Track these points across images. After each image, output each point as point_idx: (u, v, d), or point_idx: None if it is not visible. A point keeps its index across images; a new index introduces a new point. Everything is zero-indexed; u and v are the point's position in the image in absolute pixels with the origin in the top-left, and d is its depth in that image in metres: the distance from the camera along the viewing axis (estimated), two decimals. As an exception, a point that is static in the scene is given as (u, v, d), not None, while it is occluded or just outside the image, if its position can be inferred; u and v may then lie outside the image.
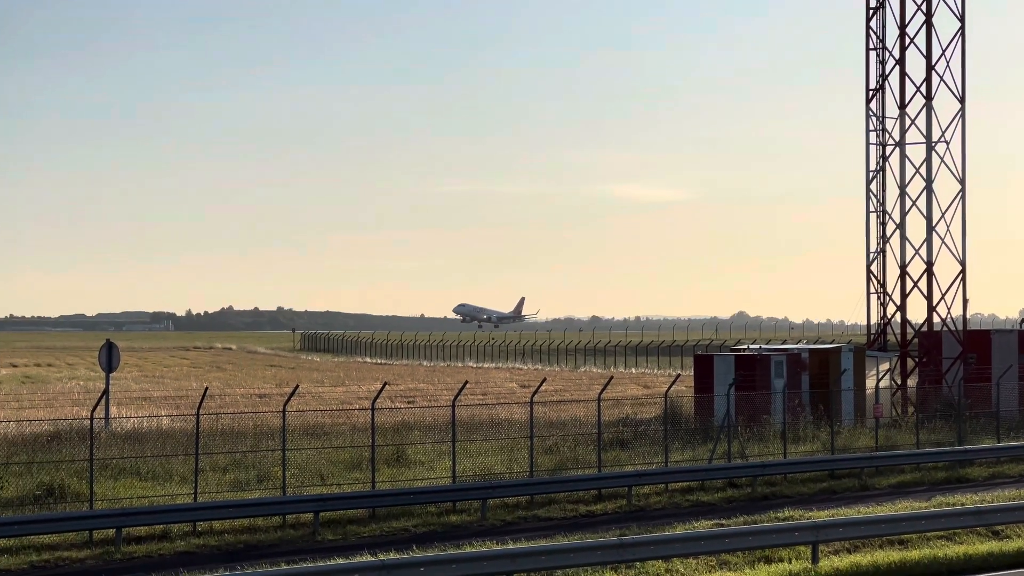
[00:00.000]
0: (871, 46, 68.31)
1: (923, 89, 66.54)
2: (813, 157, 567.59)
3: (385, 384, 46.93)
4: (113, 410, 53.71)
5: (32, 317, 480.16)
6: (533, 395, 44.13)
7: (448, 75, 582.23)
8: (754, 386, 55.78)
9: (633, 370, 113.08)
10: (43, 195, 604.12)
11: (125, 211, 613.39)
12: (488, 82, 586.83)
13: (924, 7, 66.42)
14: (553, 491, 41.47)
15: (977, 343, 66.34)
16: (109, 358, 52.09)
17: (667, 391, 47.99)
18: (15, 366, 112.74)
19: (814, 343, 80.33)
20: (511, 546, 30.32)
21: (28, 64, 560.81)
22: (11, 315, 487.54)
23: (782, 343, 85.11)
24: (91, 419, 38.01)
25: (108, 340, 53.38)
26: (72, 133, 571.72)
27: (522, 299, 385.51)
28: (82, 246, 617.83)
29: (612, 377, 55.69)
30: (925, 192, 66.62)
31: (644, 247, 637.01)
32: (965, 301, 66.79)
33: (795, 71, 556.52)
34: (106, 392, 47.44)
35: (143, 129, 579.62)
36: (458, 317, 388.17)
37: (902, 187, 67.13)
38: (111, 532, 35.00)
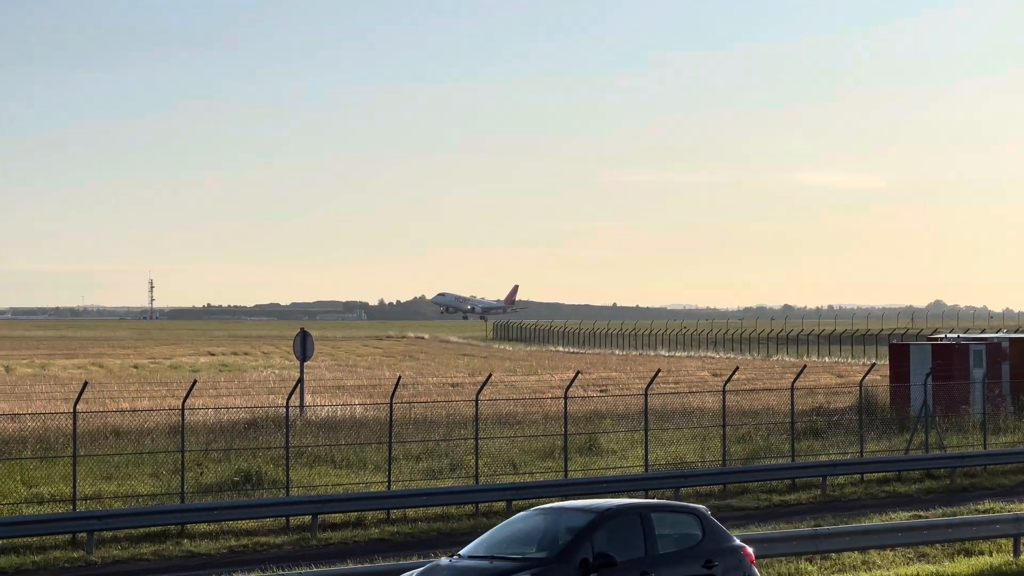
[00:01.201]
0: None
1: None
2: (1017, 143, 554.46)
3: (578, 373, 46.93)
4: (308, 398, 54.47)
5: (228, 306, 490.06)
6: (726, 384, 43.73)
7: (639, 64, 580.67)
8: (952, 375, 54.60)
9: (826, 359, 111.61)
10: (238, 187, 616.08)
11: (317, 203, 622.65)
12: (674, 70, 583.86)
13: None
14: (746, 480, 41.11)
15: None
16: (304, 347, 52.80)
17: (862, 380, 47.25)
18: (212, 355, 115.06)
19: (1015, 332, 78.41)
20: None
21: (229, 55, 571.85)
22: (208, 304, 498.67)
23: (981, 332, 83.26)
24: (286, 407, 38.60)
25: (302, 329, 54.12)
26: (267, 124, 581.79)
27: (515, 287, 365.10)
28: (277, 237, 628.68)
29: (805, 366, 55.02)
30: None
31: (836, 235, 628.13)
32: None
33: (1001, 55, 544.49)
34: (301, 381, 48.17)
35: (338, 119, 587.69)
36: (439, 307, 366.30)
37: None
38: (307, 519, 35.48)
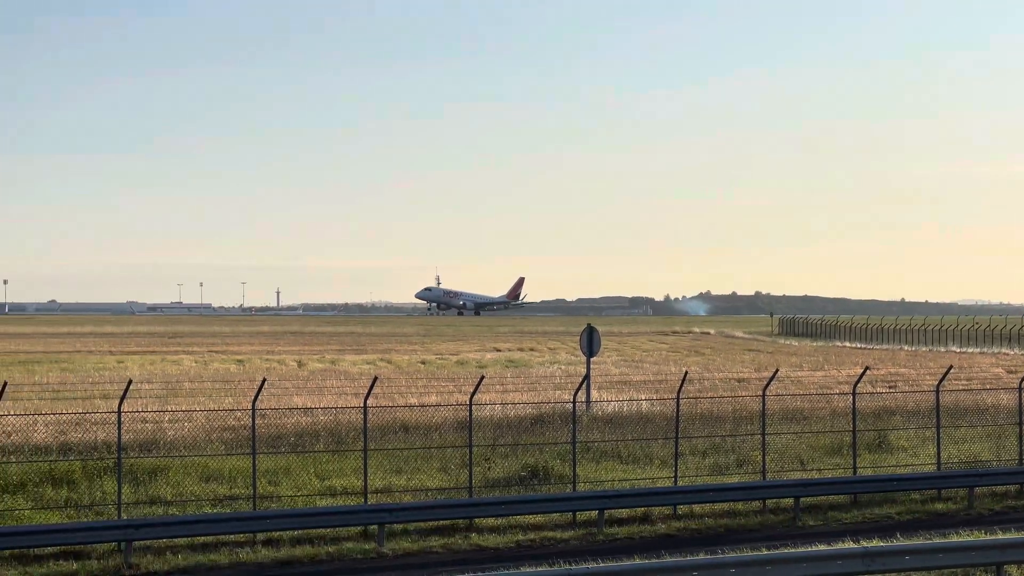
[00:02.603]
0: None
1: None
2: None
3: (866, 369, 45.98)
4: (594, 394, 54.58)
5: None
6: (1022, 381, 42.33)
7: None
8: None
9: None
10: (521, 183, 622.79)
11: (603, 199, 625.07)
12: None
13: None
14: (1046, 480, 39.74)
15: None
16: (590, 342, 52.88)
17: None
18: (499, 350, 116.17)
19: None
20: (1006, 536, 29.05)
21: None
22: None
23: None
24: (573, 402, 38.71)
25: (589, 325, 54.20)
26: (551, 119, 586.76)
27: (520, 280, 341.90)
28: (561, 233, 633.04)
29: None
30: None
31: None
32: None
33: None
34: (587, 376, 48.24)
35: (627, 114, 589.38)
36: (423, 303, 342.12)
37: None
38: (593, 514, 35.52)
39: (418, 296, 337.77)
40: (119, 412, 33.71)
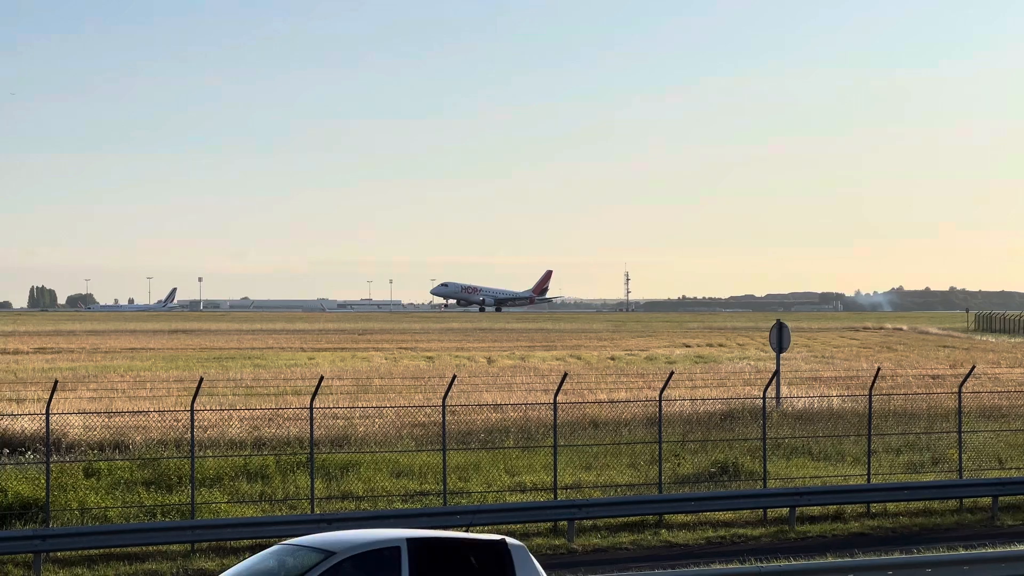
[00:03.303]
0: None
1: None
2: None
3: (1066, 364, 44.91)
4: (784, 390, 53.99)
5: (703, 298, 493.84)
6: None
7: None
8: None
9: None
10: (706, 177, 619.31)
11: (789, 192, 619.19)
12: None
13: None
14: None
15: None
16: (780, 338, 52.34)
17: None
18: (688, 346, 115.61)
19: None
20: None
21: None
22: (683, 296, 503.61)
23: None
24: (763, 399, 38.32)
25: (778, 320, 53.61)
26: (735, 109, 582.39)
27: (548, 273, 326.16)
28: (749, 227, 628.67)
29: None
30: None
31: None
32: None
33: None
34: (777, 372, 47.70)
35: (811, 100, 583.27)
36: (440, 300, 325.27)
37: None
38: (784, 511, 35.13)
39: (433, 292, 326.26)
40: (311, 408, 34.15)
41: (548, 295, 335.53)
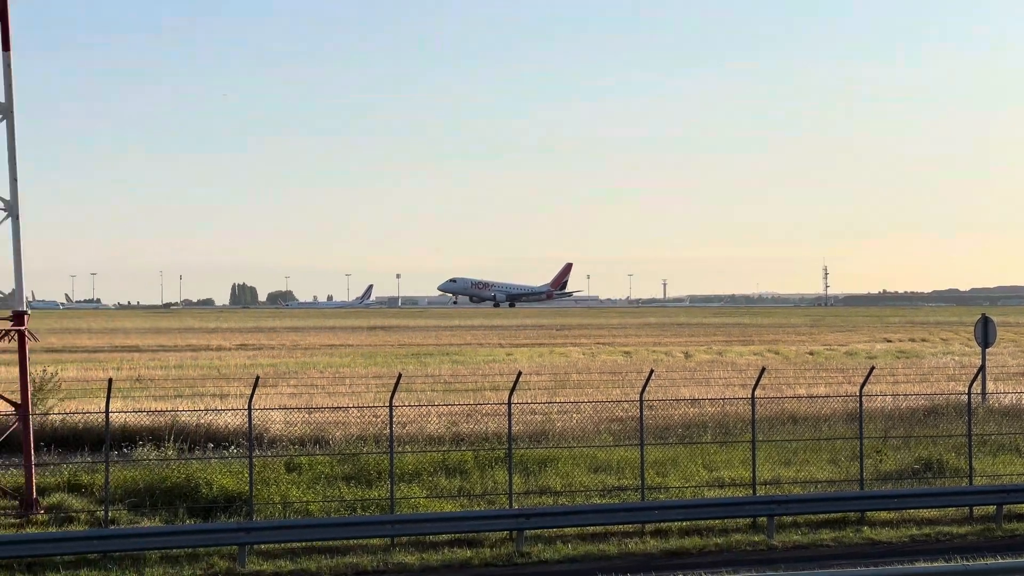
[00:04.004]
0: None
1: None
2: None
3: None
4: (990, 385, 52.76)
5: (905, 292, 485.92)
6: None
7: None
8: None
9: None
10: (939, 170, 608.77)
11: (995, 181, 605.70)
12: None
13: None
14: None
15: None
16: (985, 333, 51.21)
17: None
18: (889, 341, 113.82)
19: None
20: None
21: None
22: (884, 291, 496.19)
23: None
24: (968, 394, 37.49)
25: (984, 315, 52.43)
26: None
27: (567, 266, 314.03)
28: (958, 217, 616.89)
29: None
30: None
31: None
32: None
33: None
34: (982, 367, 46.69)
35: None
36: (448, 296, 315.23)
37: None
38: (991, 509, 34.33)
39: (441, 288, 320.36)
40: (509, 403, 34.22)
41: (568, 289, 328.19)
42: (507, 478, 34.73)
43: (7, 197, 34.72)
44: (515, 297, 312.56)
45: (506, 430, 35.43)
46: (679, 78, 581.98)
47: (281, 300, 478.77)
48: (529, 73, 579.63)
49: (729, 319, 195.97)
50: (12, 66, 34.68)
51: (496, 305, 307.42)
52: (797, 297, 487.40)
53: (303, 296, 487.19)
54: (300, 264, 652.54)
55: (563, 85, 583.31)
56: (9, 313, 35.36)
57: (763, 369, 38.49)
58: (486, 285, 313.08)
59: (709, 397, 49.53)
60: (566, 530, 32.49)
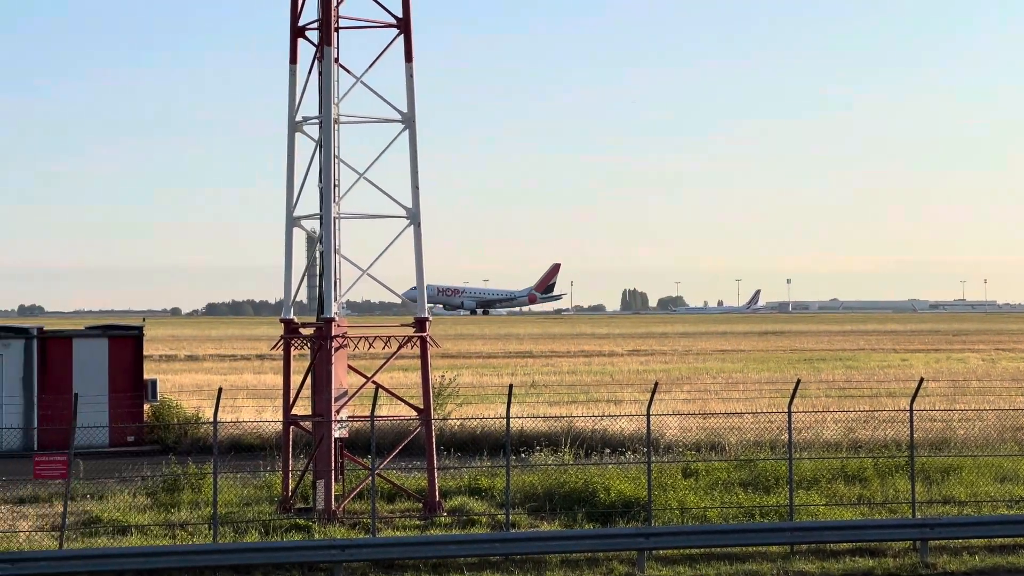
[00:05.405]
0: None
1: None
2: None
3: None
4: None
5: None
6: None
7: None
8: None
9: None
10: None
11: None
12: None
13: None
14: None
15: None
16: None
17: None
18: None
19: None
20: None
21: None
22: None
23: None
24: None
25: None
26: None
27: (555, 267, 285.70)
28: None
29: None
30: None
31: None
32: None
33: None
34: None
35: None
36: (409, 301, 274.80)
37: None
38: None
39: (405, 296, 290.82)
40: (911, 410, 33.34)
41: (555, 292, 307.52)
42: (908, 486, 33.82)
43: (409, 205, 35.64)
44: (489, 303, 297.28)
45: (905, 437, 34.52)
46: None
47: (671, 305, 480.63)
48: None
49: None
50: (414, 76, 35.48)
51: (473, 313, 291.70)
52: None
53: (693, 301, 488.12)
54: (691, 268, 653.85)
55: None
56: (411, 319, 36.24)
57: None
58: (455, 291, 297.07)
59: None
60: (973, 541, 31.41)
